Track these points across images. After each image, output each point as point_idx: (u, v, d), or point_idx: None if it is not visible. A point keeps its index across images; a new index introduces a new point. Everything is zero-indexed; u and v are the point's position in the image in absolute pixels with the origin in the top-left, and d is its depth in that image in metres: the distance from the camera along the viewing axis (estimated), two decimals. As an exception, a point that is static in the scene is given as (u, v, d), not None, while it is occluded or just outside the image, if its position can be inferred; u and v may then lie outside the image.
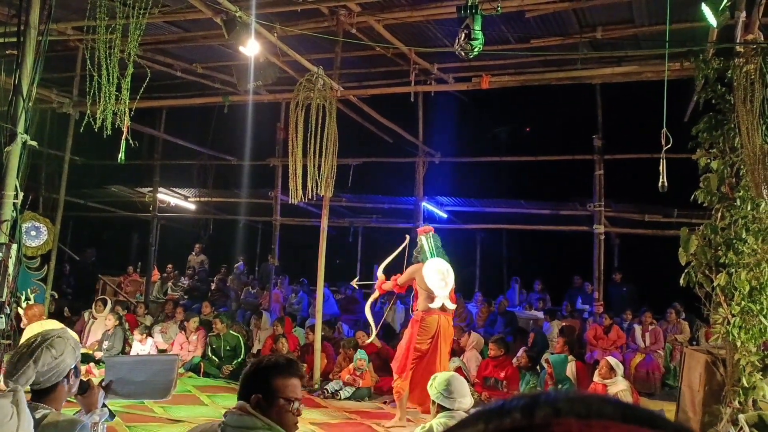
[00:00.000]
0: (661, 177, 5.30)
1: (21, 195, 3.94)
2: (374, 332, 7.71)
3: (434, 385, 3.67)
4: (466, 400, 3.67)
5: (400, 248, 7.53)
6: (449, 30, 8.29)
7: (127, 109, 5.46)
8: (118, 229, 16.79)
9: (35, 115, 7.47)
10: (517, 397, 0.46)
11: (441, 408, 3.64)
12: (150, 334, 9.54)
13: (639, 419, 0.43)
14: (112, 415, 2.62)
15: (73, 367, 2.28)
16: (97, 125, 5.36)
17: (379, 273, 7.42)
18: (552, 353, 8.51)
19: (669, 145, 5.33)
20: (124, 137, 5.89)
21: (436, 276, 6.77)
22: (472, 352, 8.63)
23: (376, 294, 7.49)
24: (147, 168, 14.43)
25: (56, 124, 11.06)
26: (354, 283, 8.71)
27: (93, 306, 9.72)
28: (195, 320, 9.70)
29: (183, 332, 9.75)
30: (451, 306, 6.89)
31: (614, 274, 11.62)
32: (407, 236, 7.57)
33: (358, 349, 8.33)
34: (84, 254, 13.83)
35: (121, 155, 6.09)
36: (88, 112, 5.36)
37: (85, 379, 2.48)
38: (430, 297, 6.68)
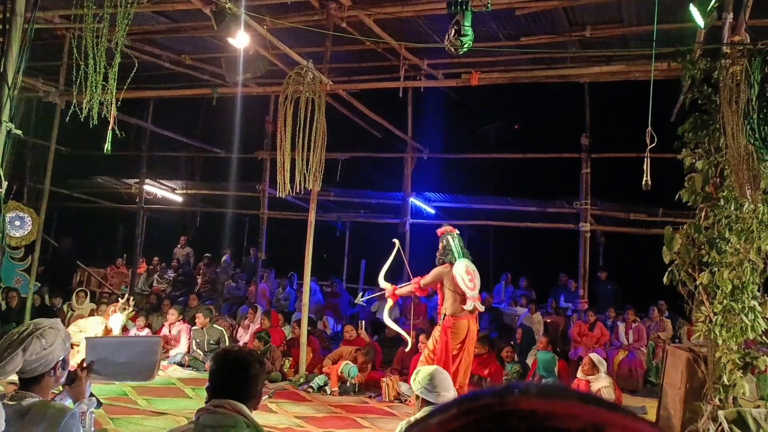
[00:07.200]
0: (644, 175, 5.34)
1: (5, 184, 3.89)
2: (408, 338, 7.35)
3: (417, 380, 3.65)
4: (449, 394, 3.65)
5: (394, 254, 7.28)
6: (439, 26, 8.29)
7: (113, 99, 5.41)
8: (103, 220, 16.64)
9: (20, 104, 7.37)
10: (489, 386, 0.50)
11: (425, 402, 3.61)
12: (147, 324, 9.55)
13: (598, 402, 0.47)
14: (99, 403, 2.61)
15: (61, 359, 2.27)
16: (83, 115, 5.30)
17: (382, 282, 7.20)
18: (538, 350, 8.59)
19: (653, 144, 5.37)
20: (110, 128, 5.84)
21: (466, 277, 6.54)
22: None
23: (389, 302, 7.24)
24: (134, 159, 14.31)
25: (42, 113, 10.94)
26: (359, 300, 8.52)
27: (74, 297, 9.51)
28: (173, 312, 9.65)
29: (165, 325, 9.71)
30: (481, 308, 6.75)
31: (599, 272, 11.71)
32: (396, 241, 7.31)
33: (351, 366, 8.05)
34: (61, 242, 13.66)
35: (108, 146, 6.04)
36: (74, 101, 5.30)
37: (72, 369, 2.47)
38: (463, 299, 6.46)
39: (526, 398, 0.46)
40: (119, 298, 8.16)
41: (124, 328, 9.56)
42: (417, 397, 3.68)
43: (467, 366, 6.58)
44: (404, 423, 3.86)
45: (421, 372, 3.71)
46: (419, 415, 3.63)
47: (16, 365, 2.12)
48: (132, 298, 8.51)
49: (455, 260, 6.60)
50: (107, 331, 7.79)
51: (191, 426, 2.13)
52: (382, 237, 14.42)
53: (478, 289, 6.66)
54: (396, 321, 8.29)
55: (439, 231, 7.08)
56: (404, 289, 7.05)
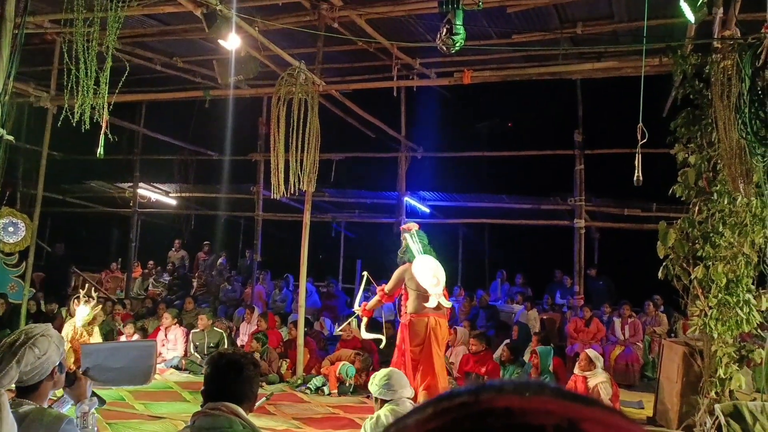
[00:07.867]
0: (636, 171, 5.36)
1: (-2, 190, 3.89)
2: (383, 338, 7.30)
3: (375, 383, 3.87)
4: (406, 391, 3.88)
5: (363, 283, 7.32)
6: (431, 25, 8.29)
7: (105, 104, 5.39)
8: (97, 224, 16.58)
9: (12, 110, 7.34)
10: (466, 385, 0.51)
11: (383, 402, 3.83)
12: (137, 330, 9.49)
13: (574, 398, 0.47)
14: (102, 401, 2.61)
15: (57, 364, 2.26)
16: (75, 120, 5.28)
17: (356, 308, 7.21)
18: (534, 347, 8.59)
19: (645, 140, 5.39)
20: (102, 132, 5.83)
21: (428, 274, 6.37)
22: (460, 347, 8.67)
23: (364, 320, 7.09)
24: (127, 163, 14.26)
25: (34, 118, 10.87)
26: (338, 331, 8.59)
27: (71, 303, 9.48)
28: (168, 315, 9.61)
29: (161, 328, 9.67)
30: (447, 304, 6.52)
31: (589, 269, 11.73)
32: (365, 273, 7.29)
33: (349, 366, 8.09)
34: (54, 248, 13.61)
35: (100, 150, 6.02)
36: (66, 106, 5.28)
37: (71, 371, 2.46)
38: (424, 297, 6.29)
39: (502, 396, 0.47)
40: (80, 290, 8.14)
41: (119, 332, 9.53)
42: (376, 399, 3.92)
43: (441, 366, 6.33)
44: (367, 422, 3.94)
45: (377, 376, 3.95)
46: (381, 412, 3.80)
47: (12, 378, 2.10)
48: (94, 289, 8.46)
49: (413, 258, 6.51)
50: (75, 330, 7.80)
51: (187, 429, 2.13)
52: (378, 237, 14.51)
53: (443, 285, 6.46)
54: (393, 321, 8.30)
55: (401, 228, 7.05)
56: (372, 302, 6.98)
